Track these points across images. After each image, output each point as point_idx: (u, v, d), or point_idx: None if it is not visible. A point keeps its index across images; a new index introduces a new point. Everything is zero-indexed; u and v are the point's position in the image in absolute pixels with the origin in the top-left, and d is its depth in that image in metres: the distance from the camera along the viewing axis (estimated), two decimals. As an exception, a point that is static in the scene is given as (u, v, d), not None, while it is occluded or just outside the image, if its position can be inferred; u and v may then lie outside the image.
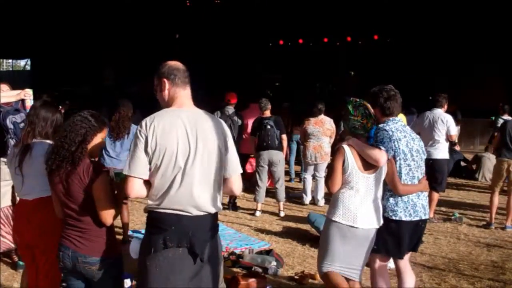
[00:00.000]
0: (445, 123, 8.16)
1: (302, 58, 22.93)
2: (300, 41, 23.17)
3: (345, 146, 4.11)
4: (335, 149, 4.26)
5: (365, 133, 4.21)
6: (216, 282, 3.36)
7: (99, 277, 3.39)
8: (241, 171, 3.39)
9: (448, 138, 8.25)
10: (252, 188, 10.24)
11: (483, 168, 12.42)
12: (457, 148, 10.40)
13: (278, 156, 8.73)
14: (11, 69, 40.17)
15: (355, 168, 4.06)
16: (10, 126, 5.62)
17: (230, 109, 9.49)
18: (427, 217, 4.47)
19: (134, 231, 7.30)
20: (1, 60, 41.41)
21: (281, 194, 8.85)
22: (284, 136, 8.81)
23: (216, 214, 3.30)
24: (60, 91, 18.72)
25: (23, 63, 38.74)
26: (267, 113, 8.83)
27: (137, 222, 7.96)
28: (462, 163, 12.98)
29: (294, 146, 11.84)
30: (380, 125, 4.36)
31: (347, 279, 4.21)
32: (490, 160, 11.81)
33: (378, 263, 4.41)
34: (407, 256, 4.53)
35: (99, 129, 3.46)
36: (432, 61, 19.28)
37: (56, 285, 3.91)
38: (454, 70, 18.70)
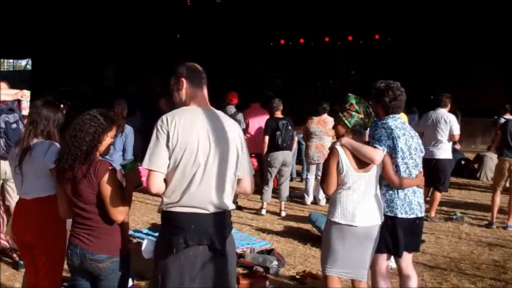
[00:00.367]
0: (448, 123, 8.16)
1: (303, 57, 22.90)
2: (301, 40, 23.13)
3: (338, 147, 4.06)
4: (329, 150, 4.23)
5: (364, 131, 4.20)
6: (233, 278, 3.39)
7: (106, 275, 3.40)
8: (254, 172, 3.47)
9: (451, 138, 8.24)
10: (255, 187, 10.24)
11: (485, 167, 12.40)
12: (458, 147, 10.40)
13: (290, 156, 8.81)
14: (12, 69, 40.17)
15: (350, 168, 4.02)
16: (2, 125, 5.58)
17: (232, 109, 9.50)
18: (423, 214, 4.46)
19: (135, 230, 7.29)
20: (2, 60, 41.44)
21: (285, 193, 8.86)
22: (296, 137, 8.84)
23: (230, 211, 3.33)
24: (61, 91, 18.71)
25: (24, 63, 38.76)
26: (279, 114, 8.80)
27: (138, 222, 7.96)
28: (463, 162, 12.95)
29: (296, 146, 11.82)
30: (379, 123, 4.34)
31: (353, 280, 4.21)
32: (492, 159, 11.79)
33: (379, 263, 4.38)
34: (409, 256, 4.51)
35: (108, 128, 3.47)
36: (432, 61, 19.24)
37: (57, 285, 3.91)
38: (455, 70, 18.66)
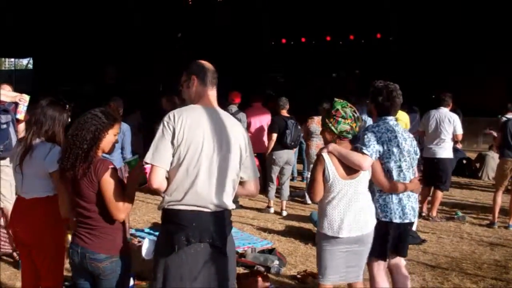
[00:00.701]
0: (452, 122, 8.16)
1: (304, 56, 22.89)
2: (303, 39, 23.13)
3: (325, 155, 3.98)
4: (315, 157, 4.18)
5: (351, 136, 4.07)
6: (234, 277, 3.40)
7: (106, 274, 3.39)
8: (259, 174, 3.48)
9: (454, 137, 8.24)
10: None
11: (487, 167, 12.38)
12: (459, 146, 10.36)
13: (293, 156, 8.89)
14: (13, 68, 40.21)
15: (336, 176, 3.94)
16: None
17: (234, 108, 9.50)
18: (415, 219, 4.41)
19: (137, 230, 7.29)
20: (3, 59, 41.52)
21: (286, 192, 8.88)
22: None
23: (230, 211, 3.33)
24: (62, 90, 18.72)
25: (25, 62, 38.80)
26: (285, 113, 8.80)
27: (140, 221, 7.96)
28: (465, 162, 12.93)
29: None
30: (369, 126, 4.28)
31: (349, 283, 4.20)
32: (493, 159, 11.77)
33: (376, 266, 4.35)
34: (402, 260, 4.51)
35: (110, 125, 3.45)
36: (434, 60, 19.23)
37: (59, 284, 3.91)
38: (457, 69, 18.65)
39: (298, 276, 5.73)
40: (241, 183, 3.38)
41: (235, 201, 9.11)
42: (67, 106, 4.02)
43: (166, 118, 3.17)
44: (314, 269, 5.89)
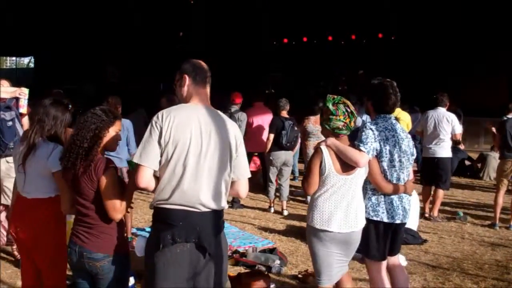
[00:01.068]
0: (450, 122, 8.18)
1: (306, 56, 22.89)
2: (305, 39, 23.12)
3: (323, 148, 3.98)
4: (313, 150, 4.17)
5: (348, 133, 4.05)
6: (222, 278, 3.37)
7: (104, 274, 3.40)
8: (250, 175, 3.45)
9: (453, 137, 8.24)
10: (255, 186, 10.22)
11: (488, 167, 12.36)
12: (462, 147, 10.37)
13: (291, 156, 8.85)
14: (14, 66, 40.25)
15: (332, 170, 3.93)
16: None
17: (234, 107, 9.50)
18: (406, 220, 4.38)
19: (138, 229, 7.29)
20: (5, 57, 41.53)
21: (286, 192, 8.86)
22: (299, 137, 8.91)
23: (222, 211, 3.32)
24: (63, 89, 18.71)
25: (27, 61, 38.85)
26: (285, 113, 8.80)
27: (141, 220, 7.97)
28: (467, 162, 12.93)
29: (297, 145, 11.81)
30: (368, 123, 4.26)
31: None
32: (495, 159, 11.75)
33: (374, 267, 4.34)
34: (396, 259, 4.49)
35: (110, 123, 3.46)
36: (436, 60, 19.22)
37: (61, 283, 3.90)
38: (458, 69, 18.64)
39: (299, 275, 5.73)
40: (231, 182, 3.36)
41: (237, 201, 9.18)
42: (70, 106, 4.02)
43: (154, 118, 3.18)
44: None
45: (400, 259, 4.93)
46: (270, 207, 8.86)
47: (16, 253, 5.80)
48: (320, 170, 3.95)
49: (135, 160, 3.16)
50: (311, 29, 21.83)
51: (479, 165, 12.78)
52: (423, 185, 8.59)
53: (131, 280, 5.02)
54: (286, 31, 22.80)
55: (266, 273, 5.65)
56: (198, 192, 3.15)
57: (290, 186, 9.51)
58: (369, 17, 19.63)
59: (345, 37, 22.12)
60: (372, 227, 4.18)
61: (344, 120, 3.98)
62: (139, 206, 8.50)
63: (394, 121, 4.33)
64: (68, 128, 3.90)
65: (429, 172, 8.38)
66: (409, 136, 4.45)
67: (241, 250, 6.41)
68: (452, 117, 8.27)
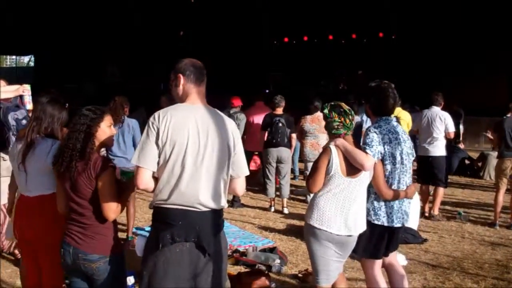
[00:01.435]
0: (443, 121, 8.20)
1: (306, 55, 22.88)
2: (305, 38, 23.12)
3: (332, 147, 4.00)
4: (322, 149, 4.18)
5: (348, 131, 4.09)
6: (222, 277, 3.38)
7: (100, 274, 3.39)
8: (248, 173, 3.44)
9: (447, 135, 8.25)
10: (255, 185, 10.23)
11: (489, 166, 12.34)
12: (461, 146, 10.38)
13: (286, 154, 8.77)
14: (14, 65, 40.25)
15: (338, 171, 3.94)
16: (13, 122, 5.59)
17: (233, 110, 9.55)
18: (406, 223, 4.41)
19: (138, 228, 7.28)
20: (4, 56, 41.53)
21: (286, 190, 8.87)
22: (294, 135, 8.87)
23: (221, 210, 3.33)
24: (63, 88, 18.72)
25: (27, 60, 38.84)
26: (280, 110, 8.81)
27: (141, 219, 7.96)
28: (467, 161, 12.93)
29: (298, 144, 11.78)
30: (371, 127, 4.27)
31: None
32: (496, 158, 11.75)
33: (372, 267, 4.34)
34: (394, 256, 4.50)
35: (99, 118, 3.46)
36: (437, 59, 19.21)
37: (60, 282, 3.90)
38: (458, 68, 18.63)
39: (299, 275, 5.72)
40: (229, 180, 3.36)
41: (237, 200, 9.18)
42: (66, 104, 4.02)
43: (151, 119, 3.18)
44: (314, 268, 5.91)
45: (400, 259, 4.94)
46: (270, 206, 8.85)
47: (16, 252, 5.80)
48: (327, 169, 3.96)
49: (133, 161, 3.16)
50: (311, 28, 21.81)
51: (479, 164, 12.78)
52: (420, 184, 8.60)
53: (131, 280, 5.02)
54: (286, 30, 22.79)
55: (266, 272, 5.64)
56: (197, 191, 3.15)
57: (291, 185, 9.51)
58: (369, 17, 19.62)
59: (345, 36, 22.10)
60: (371, 229, 4.18)
61: (339, 120, 4.05)
62: (139, 206, 8.50)
63: (395, 123, 4.35)
64: (64, 127, 3.89)
65: (425, 171, 8.42)
66: (409, 137, 4.46)
67: (241, 249, 6.41)
68: (446, 115, 8.28)
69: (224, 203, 3.30)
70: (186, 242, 3.13)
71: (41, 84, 15.58)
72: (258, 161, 10.14)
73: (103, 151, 6.71)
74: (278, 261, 5.98)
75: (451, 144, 9.20)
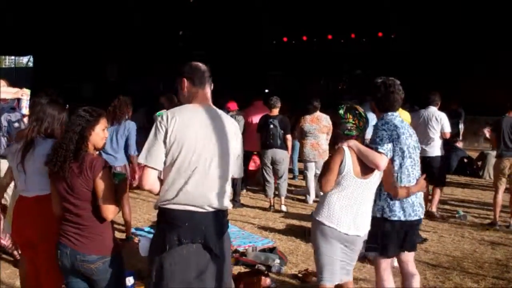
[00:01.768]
0: (439, 121, 8.18)
1: (306, 55, 22.88)
2: (304, 38, 23.11)
3: (346, 148, 4.02)
4: (335, 149, 4.17)
5: (360, 134, 4.12)
6: (228, 277, 3.40)
7: (99, 275, 3.39)
8: (242, 175, 3.52)
9: (443, 135, 8.24)
10: (255, 185, 10.23)
11: (488, 165, 12.32)
12: (459, 144, 10.35)
13: (281, 155, 8.75)
14: (13, 65, 40.21)
15: (350, 171, 3.96)
16: (4, 123, 5.56)
17: (230, 113, 9.58)
18: (422, 216, 4.41)
19: (137, 228, 7.28)
20: (3, 56, 41.50)
21: (283, 189, 8.89)
22: (289, 136, 8.84)
23: (226, 211, 3.35)
24: (62, 88, 18.70)
25: (26, 60, 38.79)
26: (275, 112, 8.82)
27: (140, 219, 7.95)
28: (465, 160, 12.91)
29: (297, 144, 11.78)
30: (379, 123, 4.28)
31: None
32: (494, 157, 11.75)
33: (382, 265, 4.35)
34: (411, 255, 4.49)
35: (95, 121, 3.46)
36: (436, 59, 19.20)
37: (59, 283, 3.89)
38: (458, 68, 18.62)
39: (299, 275, 5.71)
40: None
41: (237, 200, 9.19)
42: (67, 105, 4.02)
43: (159, 119, 3.21)
44: (315, 268, 5.89)
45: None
46: (270, 206, 8.85)
47: (15, 253, 5.79)
48: (339, 169, 3.98)
49: (141, 160, 3.18)
50: (310, 28, 21.81)
51: (479, 163, 12.77)
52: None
53: (131, 280, 5.01)
54: (285, 30, 22.78)
55: (266, 272, 5.63)
56: (203, 192, 3.17)
57: (290, 185, 9.52)
58: (368, 16, 19.62)
59: (345, 36, 22.10)
60: (388, 226, 4.20)
61: (353, 122, 4.07)
62: (138, 206, 8.50)
63: (400, 119, 4.38)
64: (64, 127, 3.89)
65: (423, 172, 8.37)
66: (414, 131, 4.50)
67: (241, 249, 6.41)
68: (442, 116, 8.26)
69: (228, 203, 3.33)
70: (193, 243, 3.14)
71: (41, 85, 15.58)
72: (258, 161, 10.14)
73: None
74: (277, 261, 5.97)
75: (450, 144, 9.17)
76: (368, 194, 4.07)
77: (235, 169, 3.38)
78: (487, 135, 8.83)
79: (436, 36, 19.03)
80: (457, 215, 8.42)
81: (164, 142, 3.14)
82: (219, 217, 3.26)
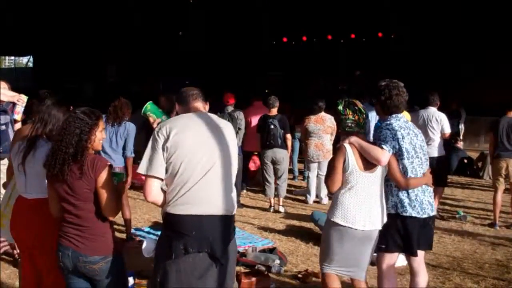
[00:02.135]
0: (439, 121, 8.17)
1: (305, 55, 22.87)
2: (304, 38, 23.11)
3: (346, 145, 4.06)
4: (336, 148, 4.22)
5: (361, 130, 4.16)
6: (231, 282, 3.42)
7: (102, 275, 3.38)
8: (240, 175, 3.54)
9: (442, 136, 8.23)
10: (255, 186, 10.22)
11: (488, 166, 12.29)
12: (459, 144, 10.30)
13: (281, 154, 8.75)
14: (13, 66, 40.21)
15: (355, 167, 4.01)
16: None
17: (230, 108, 9.54)
18: (434, 213, 4.43)
19: (137, 229, 7.28)
20: (3, 57, 41.49)
21: (282, 190, 8.89)
22: (288, 136, 8.85)
23: (233, 216, 3.36)
24: (62, 88, 18.72)
25: (25, 60, 38.79)
26: (274, 111, 8.83)
27: (140, 220, 7.95)
28: (465, 161, 12.90)
29: (297, 144, 11.79)
30: (383, 124, 4.31)
31: (353, 280, 4.19)
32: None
33: (385, 263, 4.36)
34: (421, 255, 4.50)
35: (94, 124, 3.44)
36: (437, 59, 19.19)
37: (61, 283, 3.88)
38: (458, 68, 18.61)
39: (299, 275, 5.71)
40: None
41: (237, 200, 9.16)
42: (71, 107, 4.01)
43: (157, 128, 3.25)
44: (315, 268, 5.89)
45: (399, 259, 4.93)
46: (270, 206, 8.85)
47: (15, 252, 5.79)
48: (344, 167, 4.02)
49: (141, 171, 3.19)
50: (310, 28, 21.80)
51: (479, 164, 12.76)
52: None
53: (131, 280, 5.01)
54: (285, 30, 22.77)
55: (266, 273, 5.64)
56: (209, 197, 3.18)
57: (290, 185, 9.51)
58: (368, 16, 19.61)
59: (344, 36, 22.09)
60: (399, 222, 4.22)
61: (353, 118, 4.12)
62: (138, 206, 8.49)
63: (405, 119, 4.41)
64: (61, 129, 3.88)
65: None
66: (420, 131, 4.53)
67: (241, 250, 6.38)
68: (442, 116, 8.24)
69: (235, 208, 3.34)
70: (199, 252, 3.15)
71: (40, 85, 15.58)
72: (258, 162, 10.14)
73: None
74: (277, 261, 5.96)
75: (451, 144, 9.16)
76: (378, 187, 4.10)
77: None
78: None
79: (436, 36, 19.01)
80: (457, 216, 8.42)
81: (163, 150, 3.15)
82: (226, 224, 3.26)
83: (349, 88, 21.19)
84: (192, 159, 3.16)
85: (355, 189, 4.02)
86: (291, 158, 11.00)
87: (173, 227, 3.18)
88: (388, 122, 4.29)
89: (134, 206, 7.96)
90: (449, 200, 9.62)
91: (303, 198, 9.57)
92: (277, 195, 8.86)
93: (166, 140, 3.15)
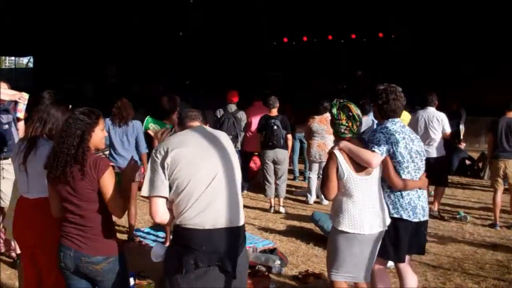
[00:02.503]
0: (440, 122, 8.18)
1: (306, 55, 22.87)
2: (305, 38, 23.11)
3: (336, 152, 4.04)
4: (328, 155, 4.21)
5: (354, 135, 4.13)
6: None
7: (104, 276, 3.37)
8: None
9: (443, 136, 8.23)
10: (255, 186, 10.21)
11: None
12: (462, 146, 10.29)
13: (283, 154, 8.76)
14: (13, 66, 40.18)
15: (350, 173, 3.99)
16: None
17: (233, 107, 9.52)
18: (426, 218, 4.41)
19: (137, 230, 7.27)
20: (3, 57, 41.48)
21: (282, 190, 8.88)
22: (290, 136, 8.87)
23: (243, 226, 3.34)
24: (62, 89, 18.69)
25: (26, 61, 38.79)
26: (274, 112, 8.82)
27: (140, 220, 7.94)
28: (467, 162, 12.89)
29: (297, 145, 11.78)
30: (378, 127, 4.33)
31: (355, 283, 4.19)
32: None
33: (377, 264, 4.34)
34: (407, 258, 4.48)
35: (94, 124, 3.44)
36: (437, 59, 19.19)
37: (62, 283, 3.88)
38: (458, 68, 18.61)
39: (300, 276, 5.71)
40: None
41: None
42: (70, 106, 4.00)
43: (155, 148, 3.27)
44: (315, 269, 5.89)
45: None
46: (270, 207, 8.84)
47: (13, 254, 5.79)
48: (339, 174, 4.01)
49: (144, 194, 3.19)
50: (311, 28, 21.79)
51: (480, 164, 12.74)
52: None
53: (131, 281, 5.01)
54: (286, 30, 22.77)
55: (266, 273, 5.64)
56: (216, 209, 3.17)
57: (291, 186, 9.50)
58: (369, 17, 19.60)
59: (345, 37, 22.09)
60: (390, 225, 4.20)
61: (347, 124, 4.09)
62: (139, 207, 8.46)
63: (402, 124, 4.40)
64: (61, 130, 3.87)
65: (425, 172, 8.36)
66: (418, 136, 4.52)
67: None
68: (442, 116, 8.25)
69: (243, 219, 3.33)
70: (209, 266, 3.13)
71: (41, 85, 15.57)
72: (258, 162, 10.13)
73: (106, 150, 6.74)
74: (278, 262, 5.96)
75: (452, 145, 9.15)
76: (377, 188, 4.10)
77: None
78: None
79: (436, 36, 19.01)
80: (458, 216, 8.41)
81: (163, 168, 3.14)
82: (236, 236, 3.25)
83: (349, 88, 21.20)
84: (195, 171, 3.14)
85: (355, 194, 4.00)
86: (291, 158, 11.00)
87: (183, 241, 3.16)
88: (384, 125, 4.30)
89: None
90: (450, 200, 9.61)
91: (304, 198, 9.57)
92: (277, 196, 8.86)
93: (164, 158, 3.13)
